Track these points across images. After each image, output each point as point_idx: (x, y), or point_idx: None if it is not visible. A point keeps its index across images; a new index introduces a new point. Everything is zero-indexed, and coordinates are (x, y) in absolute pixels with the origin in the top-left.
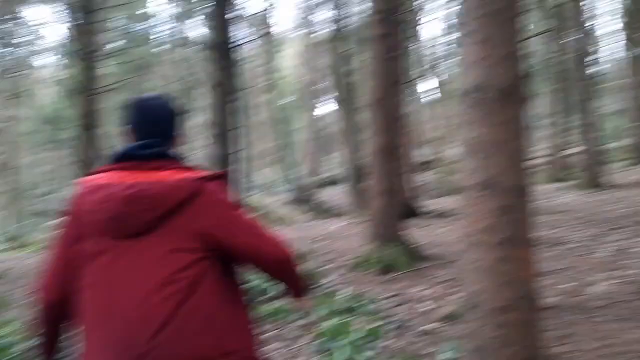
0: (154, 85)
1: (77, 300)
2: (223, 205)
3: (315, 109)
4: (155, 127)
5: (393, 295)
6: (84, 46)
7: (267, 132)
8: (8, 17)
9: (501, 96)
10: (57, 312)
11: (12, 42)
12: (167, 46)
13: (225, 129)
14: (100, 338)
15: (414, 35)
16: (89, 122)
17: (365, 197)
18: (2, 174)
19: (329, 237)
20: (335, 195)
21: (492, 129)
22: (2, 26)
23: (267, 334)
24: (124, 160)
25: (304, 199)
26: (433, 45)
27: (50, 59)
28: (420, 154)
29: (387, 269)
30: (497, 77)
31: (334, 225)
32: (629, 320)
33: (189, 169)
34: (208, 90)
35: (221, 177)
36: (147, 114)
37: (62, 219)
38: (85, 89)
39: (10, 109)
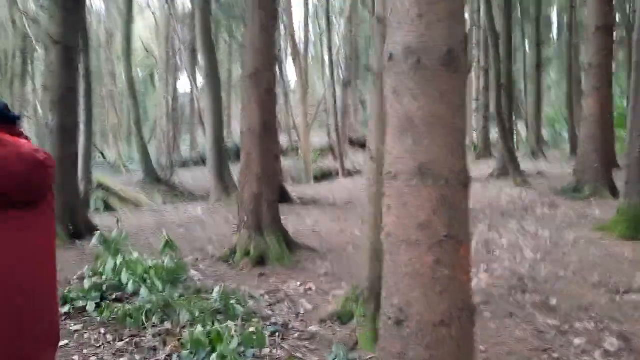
0: None
1: None
2: None
3: (173, 86)
4: None
5: (269, 292)
6: None
7: (118, 105)
8: None
9: (443, 63)
10: None
11: None
12: None
13: (64, 95)
14: None
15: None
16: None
17: (229, 180)
18: None
19: (191, 223)
20: (194, 176)
21: (430, 101)
22: None
23: (119, 343)
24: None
25: (158, 179)
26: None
27: None
28: (282, 138)
29: (260, 260)
30: (439, 39)
31: (195, 209)
32: (513, 317)
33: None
34: (46, 49)
35: None
36: None
37: None
38: None
39: None
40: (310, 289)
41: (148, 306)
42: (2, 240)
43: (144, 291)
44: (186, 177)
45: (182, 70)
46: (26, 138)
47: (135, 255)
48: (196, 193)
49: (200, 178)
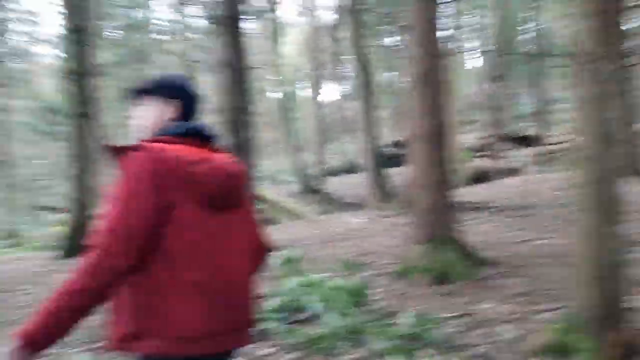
0: (152, 72)
1: (156, 263)
2: None
3: (321, 96)
4: (198, 107)
5: (461, 315)
6: (78, 31)
7: (271, 119)
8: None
9: None
10: (123, 279)
11: (7, 29)
12: (169, 33)
13: (238, 115)
14: (203, 296)
15: None
16: (83, 110)
17: (387, 188)
18: None
19: (354, 234)
20: (345, 184)
21: None
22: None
23: None
24: (194, 136)
25: (312, 189)
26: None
27: (48, 49)
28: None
29: (441, 277)
30: None
31: (354, 220)
32: None
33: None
34: (215, 72)
35: None
36: (194, 94)
37: (141, 179)
38: (78, 74)
39: (5, 99)
40: (507, 312)
41: (336, 331)
42: (218, 233)
43: (328, 314)
44: (337, 186)
45: (328, 80)
46: (227, 153)
47: (316, 275)
48: (348, 201)
49: (351, 186)
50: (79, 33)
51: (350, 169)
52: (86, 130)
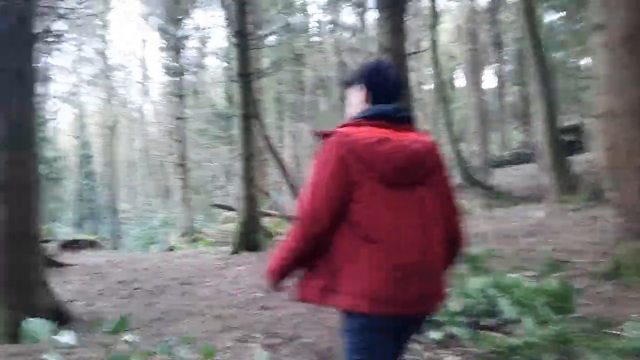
0: (310, 73)
1: (347, 233)
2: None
3: (478, 84)
4: (394, 91)
5: None
6: (241, 36)
7: (429, 109)
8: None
9: None
10: (322, 241)
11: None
12: (324, 33)
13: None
14: (387, 259)
15: None
16: (248, 112)
17: (571, 177)
18: (177, 170)
19: (536, 230)
20: (511, 176)
21: None
22: (177, 31)
23: None
24: (381, 119)
25: (475, 182)
26: None
27: (216, 60)
28: None
29: None
30: None
31: (536, 214)
32: None
33: (422, 133)
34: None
35: None
36: (388, 79)
37: (330, 161)
38: (243, 77)
39: (182, 108)
40: None
41: (539, 341)
42: (401, 208)
43: (525, 321)
44: (502, 178)
45: (485, 66)
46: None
47: (506, 274)
48: (516, 194)
49: (519, 178)
50: (242, 38)
51: (516, 160)
52: (251, 130)
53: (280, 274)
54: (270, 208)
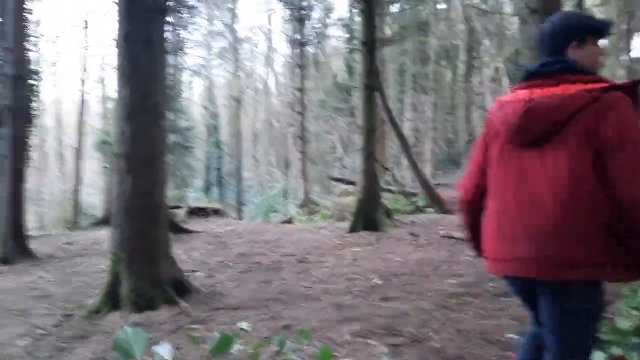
0: (435, 42)
1: (487, 196)
2: (615, 111)
3: (631, 51)
4: (549, 45)
5: None
6: (366, 1)
7: None
8: None
9: None
10: (474, 208)
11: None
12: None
13: None
14: (495, 223)
15: None
16: (371, 82)
17: None
18: (297, 142)
19: None
20: None
21: None
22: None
23: None
24: (530, 78)
25: None
26: None
27: (339, 32)
28: None
29: None
30: None
31: None
32: None
33: (590, 80)
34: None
35: (626, 89)
36: (543, 35)
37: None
38: (366, 45)
39: (303, 80)
40: None
41: None
42: (521, 168)
43: None
44: None
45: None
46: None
47: None
48: None
49: None
50: (367, 3)
51: None
52: (374, 102)
53: None
54: (389, 184)
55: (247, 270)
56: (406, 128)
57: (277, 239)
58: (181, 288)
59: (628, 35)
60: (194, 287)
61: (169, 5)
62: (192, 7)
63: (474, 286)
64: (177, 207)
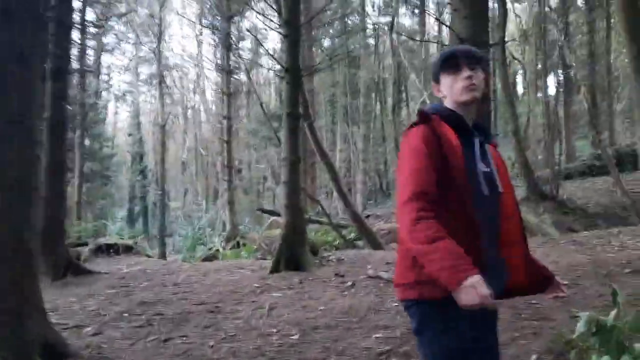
0: (365, 75)
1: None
2: (400, 150)
3: (544, 88)
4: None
5: None
6: (291, 27)
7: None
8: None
9: None
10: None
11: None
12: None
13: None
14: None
15: None
16: (296, 111)
17: None
18: (224, 171)
19: None
20: (587, 191)
21: None
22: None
23: None
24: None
25: (543, 195)
26: None
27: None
28: None
29: None
30: None
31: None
32: None
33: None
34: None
35: (415, 123)
36: None
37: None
38: (292, 72)
39: (231, 108)
40: None
41: None
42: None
43: None
44: (573, 191)
45: (550, 72)
46: None
47: None
48: (590, 210)
49: (590, 191)
50: (292, 29)
51: (587, 172)
52: (298, 132)
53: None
54: (319, 215)
55: (146, 323)
56: (337, 159)
57: (190, 282)
58: (54, 354)
59: (544, 74)
60: (72, 351)
61: (69, 18)
62: (100, 26)
63: (402, 343)
64: (82, 245)
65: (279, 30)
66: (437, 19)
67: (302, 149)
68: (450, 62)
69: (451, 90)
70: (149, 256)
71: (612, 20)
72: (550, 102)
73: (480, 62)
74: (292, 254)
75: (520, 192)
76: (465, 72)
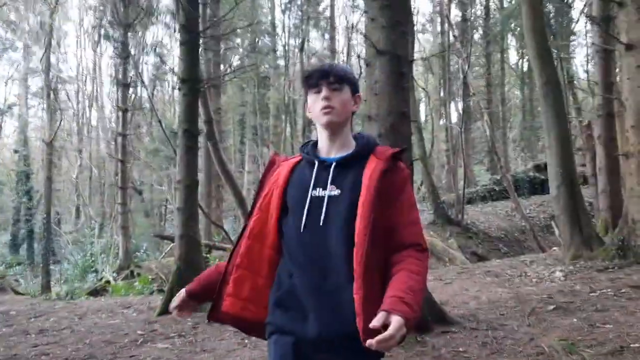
0: (275, 95)
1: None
2: None
3: (448, 116)
4: None
5: None
6: (188, 31)
7: None
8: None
9: None
10: None
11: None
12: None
13: (395, 123)
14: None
15: None
16: (193, 128)
17: (588, 228)
18: (119, 193)
19: (571, 303)
20: (487, 215)
21: None
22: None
23: None
24: None
25: (449, 220)
26: None
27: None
28: None
29: None
30: None
31: (549, 272)
32: None
33: None
34: (367, 64)
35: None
36: None
37: None
38: (188, 83)
39: (127, 125)
40: None
41: None
42: None
43: None
44: (475, 216)
45: (452, 100)
46: None
47: None
48: (492, 234)
49: (492, 216)
50: (189, 34)
51: (488, 197)
52: (196, 151)
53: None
54: (224, 241)
55: None
56: (245, 181)
57: (60, 328)
58: None
59: (447, 102)
60: None
61: None
62: None
63: None
64: None
65: (176, 37)
66: (353, 28)
67: (207, 170)
68: (310, 82)
69: (313, 112)
70: (18, 293)
71: (505, 55)
72: (453, 129)
73: (344, 81)
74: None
75: (427, 216)
76: (323, 93)
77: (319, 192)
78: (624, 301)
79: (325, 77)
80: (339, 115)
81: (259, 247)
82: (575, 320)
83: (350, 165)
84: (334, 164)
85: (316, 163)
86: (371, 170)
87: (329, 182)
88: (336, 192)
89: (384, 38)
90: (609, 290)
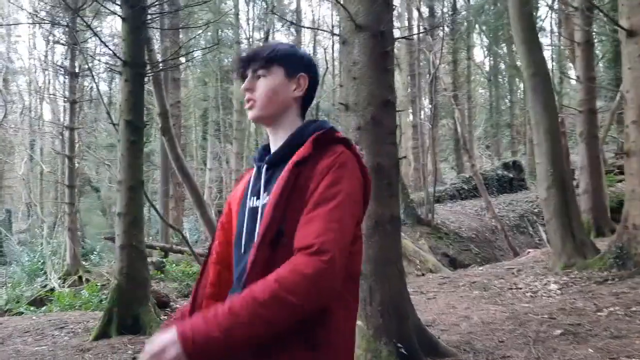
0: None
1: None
2: None
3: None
4: None
5: None
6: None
7: None
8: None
9: None
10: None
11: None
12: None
13: (374, 115)
14: None
15: None
16: (137, 120)
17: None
18: (65, 191)
19: (579, 328)
20: (457, 215)
21: None
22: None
23: None
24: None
25: (419, 220)
26: None
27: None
28: None
29: None
30: None
31: (539, 284)
32: None
33: None
34: (343, 42)
35: None
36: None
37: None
38: (132, 66)
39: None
40: None
41: None
42: None
43: None
44: (445, 215)
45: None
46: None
47: None
48: (463, 234)
49: (462, 215)
50: (132, 9)
51: (457, 195)
52: (140, 147)
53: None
54: (181, 243)
55: None
56: (207, 178)
57: None
58: None
59: (416, 98)
60: None
61: None
62: None
63: None
64: None
65: (116, 12)
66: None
67: (164, 168)
68: (238, 72)
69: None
70: None
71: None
72: (422, 126)
73: (273, 62)
74: (128, 312)
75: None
76: (243, 84)
77: (254, 202)
78: (639, 323)
79: (249, 63)
80: (265, 107)
81: (227, 273)
82: (591, 350)
83: (279, 163)
84: (265, 165)
85: (255, 167)
86: (290, 163)
87: (261, 188)
88: (267, 199)
89: (365, 10)
90: (617, 308)
